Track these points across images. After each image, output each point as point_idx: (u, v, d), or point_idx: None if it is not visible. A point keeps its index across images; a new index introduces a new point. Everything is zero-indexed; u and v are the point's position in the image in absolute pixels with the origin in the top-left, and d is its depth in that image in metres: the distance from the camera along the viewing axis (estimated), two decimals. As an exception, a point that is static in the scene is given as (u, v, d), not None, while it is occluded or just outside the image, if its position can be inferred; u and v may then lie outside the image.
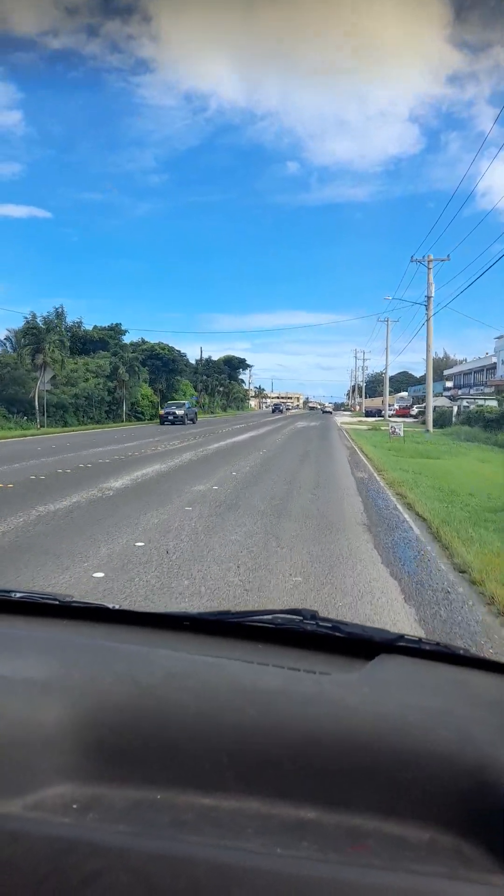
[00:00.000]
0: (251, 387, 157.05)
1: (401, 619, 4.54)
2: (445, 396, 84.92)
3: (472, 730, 0.85)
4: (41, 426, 33.07)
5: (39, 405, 33.72)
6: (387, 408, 67.93)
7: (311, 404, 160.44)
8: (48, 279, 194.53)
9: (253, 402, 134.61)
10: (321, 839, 0.72)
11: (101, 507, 8.83)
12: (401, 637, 1.13)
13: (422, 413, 76.34)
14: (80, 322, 45.74)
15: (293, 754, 0.80)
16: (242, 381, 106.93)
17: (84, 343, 45.51)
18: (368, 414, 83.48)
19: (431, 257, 36.97)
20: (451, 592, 5.26)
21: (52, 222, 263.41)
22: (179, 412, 41.40)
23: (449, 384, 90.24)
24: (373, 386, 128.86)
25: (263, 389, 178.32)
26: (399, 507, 9.60)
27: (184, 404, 43.80)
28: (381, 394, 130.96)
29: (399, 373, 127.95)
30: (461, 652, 1.15)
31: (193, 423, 41.66)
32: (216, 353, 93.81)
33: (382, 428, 41.70)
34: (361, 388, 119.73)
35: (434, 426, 47.21)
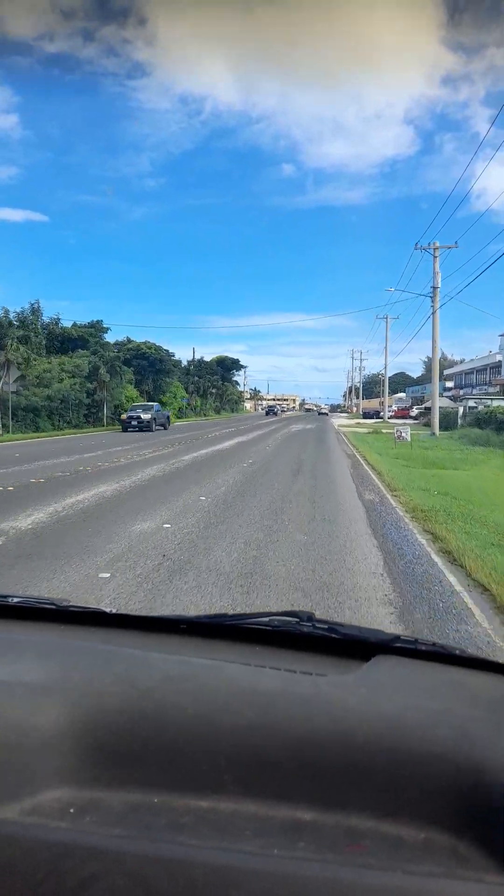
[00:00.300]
0: (246, 388, 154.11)
1: None
2: (446, 397, 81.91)
3: (469, 730, 0.85)
4: (6, 431, 29.76)
5: (3, 408, 30.35)
6: (386, 409, 64.66)
7: (307, 406, 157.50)
8: (45, 282, 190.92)
9: (248, 405, 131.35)
10: (318, 840, 0.72)
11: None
12: (397, 638, 1.13)
13: (422, 414, 73.24)
14: (58, 318, 42.36)
15: (290, 756, 0.80)
16: (237, 382, 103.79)
17: (63, 341, 42.18)
18: (366, 415, 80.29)
19: (437, 244, 33.86)
20: None
21: (48, 226, 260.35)
22: (146, 416, 34.52)
23: (449, 384, 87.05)
24: (370, 387, 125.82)
25: (259, 391, 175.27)
26: (438, 561, 6.38)
27: (152, 406, 36.84)
28: (378, 395, 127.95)
29: (396, 373, 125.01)
30: (457, 652, 1.14)
31: (165, 428, 36.04)
32: (212, 355, 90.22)
33: (384, 431, 38.56)
34: (359, 389, 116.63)
35: (441, 428, 44.32)
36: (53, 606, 1.27)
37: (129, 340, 52.55)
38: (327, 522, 8.26)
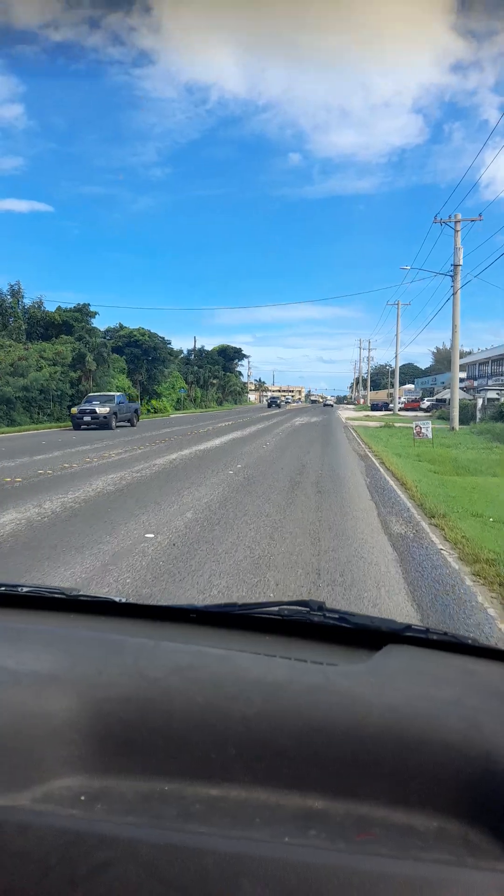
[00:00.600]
0: (251, 380, 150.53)
1: None
2: (460, 388, 78.21)
3: (480, 719, 0.85)
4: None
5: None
6: (396, 401, 61.04)
7: (312, 397, 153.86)
8: (50, 273, 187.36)
9: (253, 396, 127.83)
10: (329, 828, 0.73)
11: None
12: (408, 627, 1.12)
13: (434, 406, 69.58)
14: (41, 302, 38.84)
15: (300, 745, 0.80)
16: (240, 373, 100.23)
17: (46, 327, 38.78)
18: (374, 407, 76.66)
19: (459, 217, 30.25)
20: None
21: (53, 216, 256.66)
22: (103, 410, 26.56)
23: (462, 375, 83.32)
24: (377, 378, 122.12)
25: (264, 382, 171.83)
26: None
27: (113, 397, 28.33)
28: (385, 386, 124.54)
29: (404, 365, 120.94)
30: (469, 641, 1.14)
31: (132, 424, 29.06)
32: (215, 345, 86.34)
33: (397, 425, 35.07)
34: (366, 380, 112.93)
35: (450, 421, 40.78)
36: (63, 596, 1.26)
37: (122, 327, 49.09)
38: (346, 589, 4.88)
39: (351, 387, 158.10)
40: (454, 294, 30.19)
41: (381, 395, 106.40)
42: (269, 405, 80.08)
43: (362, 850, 0.70)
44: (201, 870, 0.66)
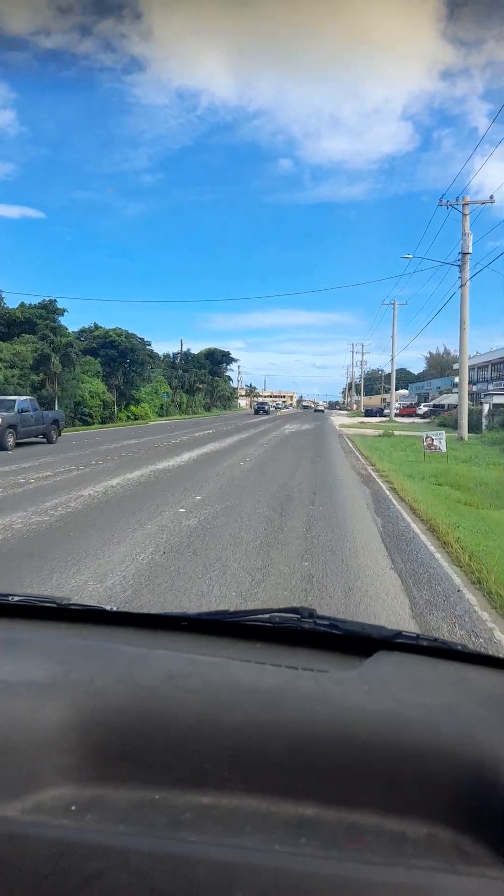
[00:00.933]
0: (241, 385, 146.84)
1: None
2: (457, 393, 74.97)
3: (471, 726, 0.85)
4: None
5: None
6: (393, 406, 57.53)
7: (304, 403, 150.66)
8: (41, 279, 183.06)
9: (243, 402, 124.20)
10: (321, 836, 0.72)
11: None
12: (399, 633, 1.11)
13: (433, 412, 66.08)
14: (0, 297, 34.97)
15: (292, 752, 0.80)
16: (229, 378, 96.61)
17: (8, 325, 34.96)
18: (368, 413, 73.21)
19: (468, 199, 26.84)
20: None
21: (45, 222, 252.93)
22: None
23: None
24: (369, 384, 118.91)
25: (255, 388, 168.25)
26: None
27: (13, 402, 19.13)
28: (378, 391, 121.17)
29: (396, 370, 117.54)
30: (459, 648, 1.13)
31: (50, 441, 20.73)
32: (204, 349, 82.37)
33: (397, 433, 31.53)
34: (359, 385, 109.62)
35: (455, 428, 37.15)
36: (55, 605, 1.26)
37: (97, 327, 45.25)
38: None
39: (343, 392, 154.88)
40: (462, 286, 26.73)
41: (375, 401, 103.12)
42: (257, 411, 74.86)
43: (354, 858, 0.69)
44: (193, 878, 0.66)
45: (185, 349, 72.86)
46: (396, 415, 57.28)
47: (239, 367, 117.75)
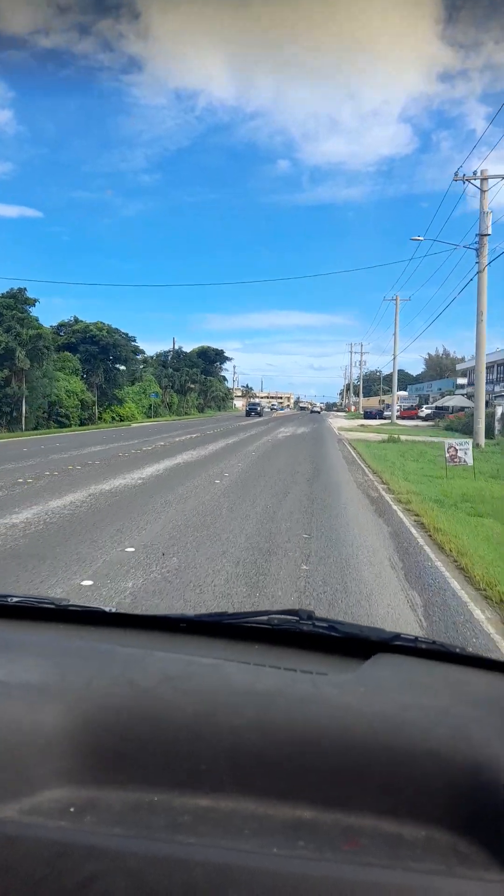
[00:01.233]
0: (238, 385, 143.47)
1: None
2: (461, 395, 71.70)
3: (469, 728, 0.85)
4: None
5: None
6: (395, 408, 54.26)
7: (301, 404, 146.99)
8: (39, 278, 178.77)
9: (239, 403, 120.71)
10: (318, 838, 0.72)
11: None
12: (397, 636, 1.12)
13: (436, 415, 62.60)
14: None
15: (290, 755, 0.80)
16: (224, 378, 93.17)
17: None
18: (368, 415, 69.90)
19: (487, 173, 23.58)
20: None
21: (42, 221, 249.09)
22: None
23: (462, 381, 76.74)
24: (367, 385, 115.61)
25: (251, 389, 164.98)
26: None
27: None
28: (376, 393, 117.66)
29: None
30: (457, 651, 1.13)
31: None
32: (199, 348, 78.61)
33: (403, 438, 28.22)
34: (357, 386, 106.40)
35: (468, 434, 33.85)
36: (53, 606, 1.25)
37: (77, 321, 41.76)
38: None
39: (341, 393, 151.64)
40: (480, 272, 23.49)
41: (373, 402, 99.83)
42: (248, 413, 67.71)
43: (351, 860, 0.69)
44: (190, 881, 0.66)
45: (177, 347, 69.39)
46: (397, 417, 53.92)
47: (234, 366, 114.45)
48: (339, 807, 0.76)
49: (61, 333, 41.24)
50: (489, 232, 23.22)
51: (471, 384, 71.27)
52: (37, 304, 32.04)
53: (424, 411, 67.21)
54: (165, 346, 68.88)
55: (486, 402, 49.04)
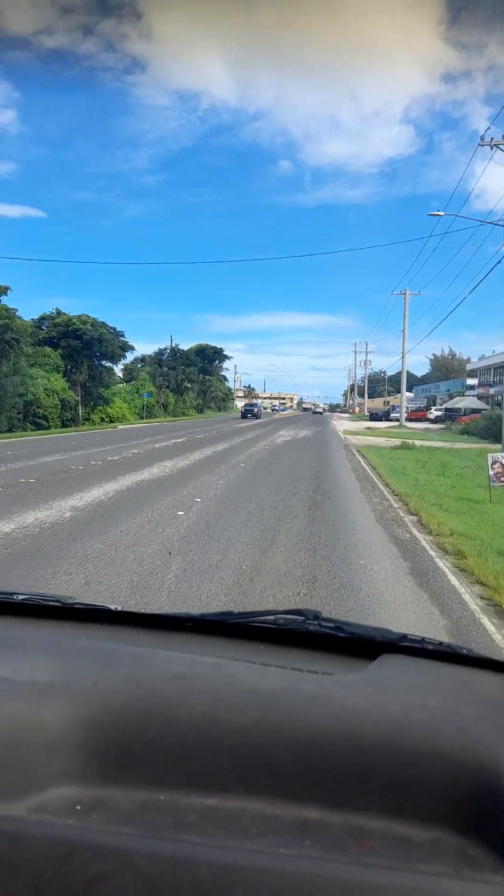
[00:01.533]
0: (240, 385, 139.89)
1: None
2: (472, 396, 68.21)
3: (476, 730, 0.85)
4: None
5: None
6: (404, 409, 50.85)
7: (305, 405, 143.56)
8: (42, 279, 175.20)
9: (240, 404, 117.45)
10: (324, 839, 0.72)
11: None
12: (404, 637, 1.11)
13: (447, 417, 58.88)
14: None
15: (296, 755, 0.80)
16: (224, 377, 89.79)
17: None
18: (374, 417, 66.51)
19: (520, 135, 20.24)
20: None
21: (45, 222, 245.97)
22: None
23: (472, 381, 73.25)
24: (371, 386, 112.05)
25: (254, 389, 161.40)
26: None
27: None
28: (381, 394, 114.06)
29: (398, 373, 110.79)
30: (464, 652, 1.13)
31: None
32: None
33: (418, 444, 24.85)
34: (363, 386, 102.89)
35: (486, 439, 30.51)
36: (59, 604, 1.24)
37: (59, 313, 38.37)
38: None
39: (344, 394, 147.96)
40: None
41: (378, 404, 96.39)
42: (244, 415, 58.99)
43: (358, 862, 0.69)
44: (196, 880, 0.66)
45: (175, 345, 66.00)
46: (405, 419, 50.50)
47: (235, 366, 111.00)
48: (345, 807, 0.75)
49: (43, 327, 37.98)
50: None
51: (482, 385, 67.80)
52: (8, 292, 28.74)
53: (434, 413, 63.67)
54: (163, 344, 65.32)
55: (494, 403, 45.60)
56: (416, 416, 62.68)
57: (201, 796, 0.77)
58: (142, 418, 49.49)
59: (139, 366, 61.97)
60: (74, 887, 0.65)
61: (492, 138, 20.44)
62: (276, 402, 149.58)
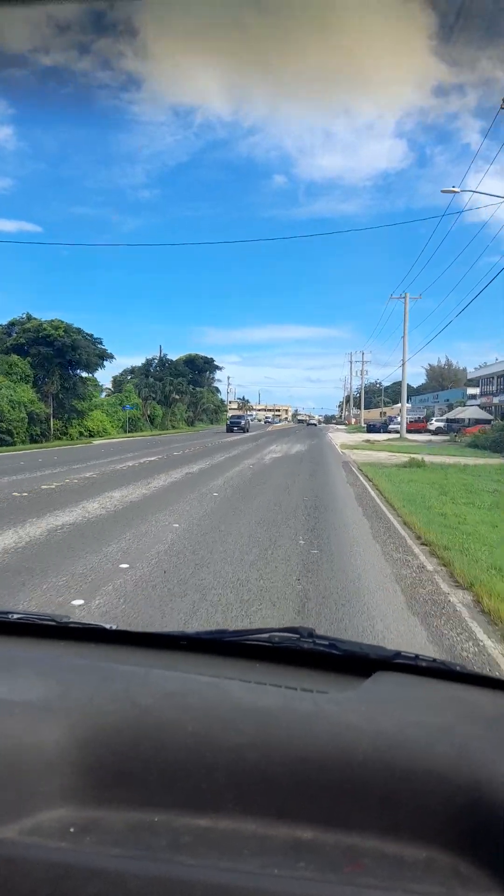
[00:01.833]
0: (234, 397, 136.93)
1: None
2: (475, 405, 65.14)
3: (470, 747, 0.84)
4: None
5: None
6: (404, 420, 47.59)
7: (300, 417, 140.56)
8: (38, 292, 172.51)
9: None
10: (318, 859, 0.72)
11: None
12: (398, 654, 1.11)
13: (449, 428, 55.64)
14: None
15: (291, 774, 0.80)
16: (217, 389, 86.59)
17: None
18: (371, 429, 63.25)
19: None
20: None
21: (42, 236, 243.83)
22: None
23: (473, 391, 70.21)
24: (367, 397, 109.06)
25: (248, 401, 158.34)
26: None
27: None
28: (377, 405, 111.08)
29: (394, 383, 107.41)
30: (458, 669, 1.13)
31: None
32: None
33: (427, 461, 21.45)
34: (358, 397, 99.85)
35: (498, 452, 27.28)
36: (54, 623, 1.24)
37: (29, 318, 35.07)
38: None
39: (340, 405, 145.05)
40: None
41: (374, 415, 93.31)
42: (230, 429, 51.76)
43: (352, 882, 0.68)
44: None
45: (163, 355, 62.77)
46: (406, 431, 47.27)
47: (229, 377, 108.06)
48: (339, 827, 0.74)
49: (12, 334, 34.66)
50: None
51: (484, 394, 64.74)
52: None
53: (435, 424, 60.46)
54: (154, 356, 62.07)
55: (497, 413, 42.42)
56: (417, 427, 59.44)
57: (195, 817, 0.75)
58: (126, 432, 46.16)
59: (128, 377, 58.93)
60: None
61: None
62: (269, 415, 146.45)
